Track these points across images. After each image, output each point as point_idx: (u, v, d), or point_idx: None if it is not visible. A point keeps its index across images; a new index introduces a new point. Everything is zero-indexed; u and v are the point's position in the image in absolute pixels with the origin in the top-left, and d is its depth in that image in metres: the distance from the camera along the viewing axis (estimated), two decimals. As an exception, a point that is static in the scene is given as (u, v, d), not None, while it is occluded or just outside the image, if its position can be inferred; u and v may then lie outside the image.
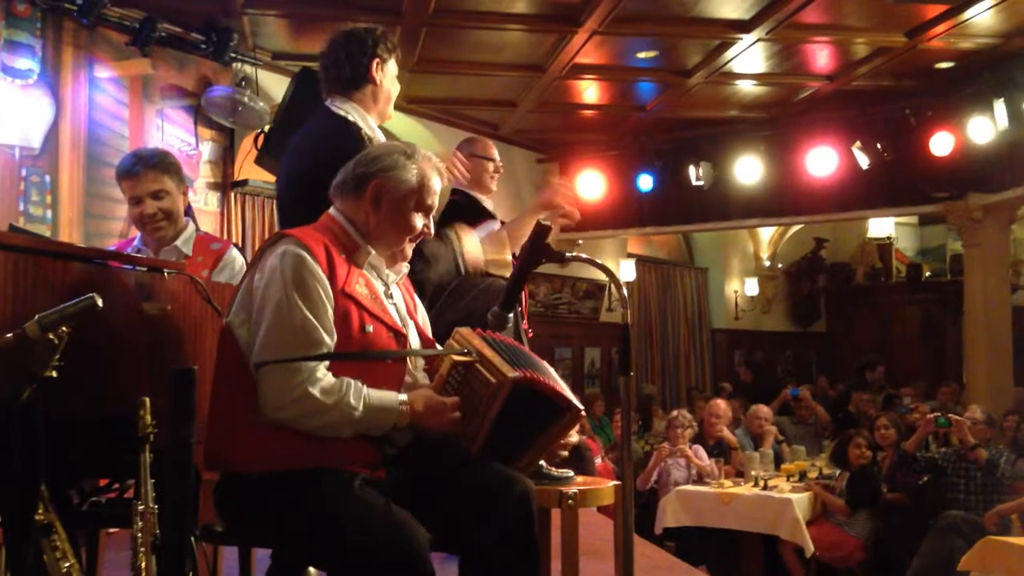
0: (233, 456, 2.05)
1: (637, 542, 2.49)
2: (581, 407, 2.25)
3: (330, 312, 2.05)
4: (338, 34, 2.82)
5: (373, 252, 2.21)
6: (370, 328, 2.12)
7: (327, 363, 2.04)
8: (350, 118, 2.72)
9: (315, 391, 1.99)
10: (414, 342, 2.26)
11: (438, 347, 2.33)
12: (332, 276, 2.08)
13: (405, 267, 2.33)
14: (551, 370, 2.28)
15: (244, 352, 2.06)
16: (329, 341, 2.04)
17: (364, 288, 2.16)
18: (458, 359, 2.13)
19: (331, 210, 2.25)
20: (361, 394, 2.03)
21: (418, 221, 2.24)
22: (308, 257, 2.05)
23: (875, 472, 6.42)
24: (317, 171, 2.42)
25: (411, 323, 2.30)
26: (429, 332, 2.38)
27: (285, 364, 1.98)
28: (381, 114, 2.83)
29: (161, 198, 2.96)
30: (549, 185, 3.52)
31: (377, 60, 2.77)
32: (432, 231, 2.29)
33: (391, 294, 2.28)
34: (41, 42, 5.17)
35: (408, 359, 2.23)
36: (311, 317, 2.02)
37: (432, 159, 2.29)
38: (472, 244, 2.97)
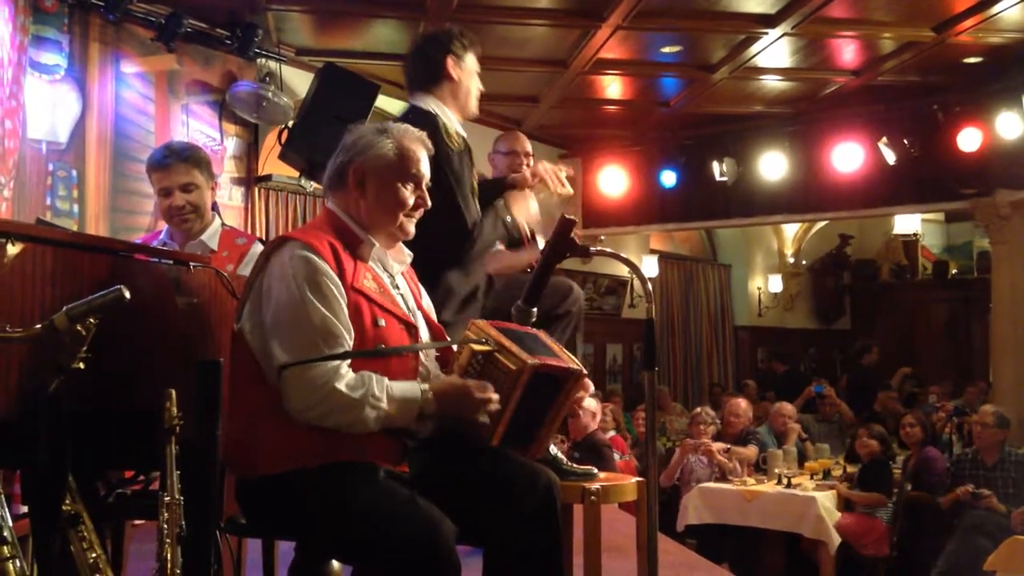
0: (253, 459, 2.05)
1: (659, 539, 2.48)
2: (584, 371, 2.28)
3: (344, 308, 2.05)
4: (418, 37, 3.04)
5: (377, 244, 2.19)
6: (382, 322, 2.11)
7: (348, 360, 2.03)
8: (430, 110, 2.80)
9: (341, 386, 1.98)
10: (423, 332, 2.26)
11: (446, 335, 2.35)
12: (340, 273, 2.07)
13: (408, 256, 2.31)
14: (551, 345, 2.30)
15: (258, 358, 2.05)
16: (348, 337, 2.03)
17: (372, 282, 2.15)
18: (478, 348, 2.14)
19: (329, 205, 2.24)
20: (384, 386, 2.03)
21: (407, 193, 2.20)
22: (315, 257, 2.04)
23: (886, 462, 6.41)
24: None
25: (419, 313, 2.29)
26: (435, 318, 2.38)
27: (308, 366, 1.97)
28: (462, 109, 2.92)
29: (190, 191, 2.98)
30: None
31: (452, 57, 2.87)
32: (428, 201, 2.26)
33: (397, 285, 2.27)
34: (68, 37, 5.21)
35: (420, 351, 2.22)
36: (328, 314, 2.01)
37: (411, 131, 2.26)
38: (523, 208, 2.96)
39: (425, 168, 2.25)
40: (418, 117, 2.74)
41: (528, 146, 3.78)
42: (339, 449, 2.02)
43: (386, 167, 2.18)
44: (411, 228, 2.25)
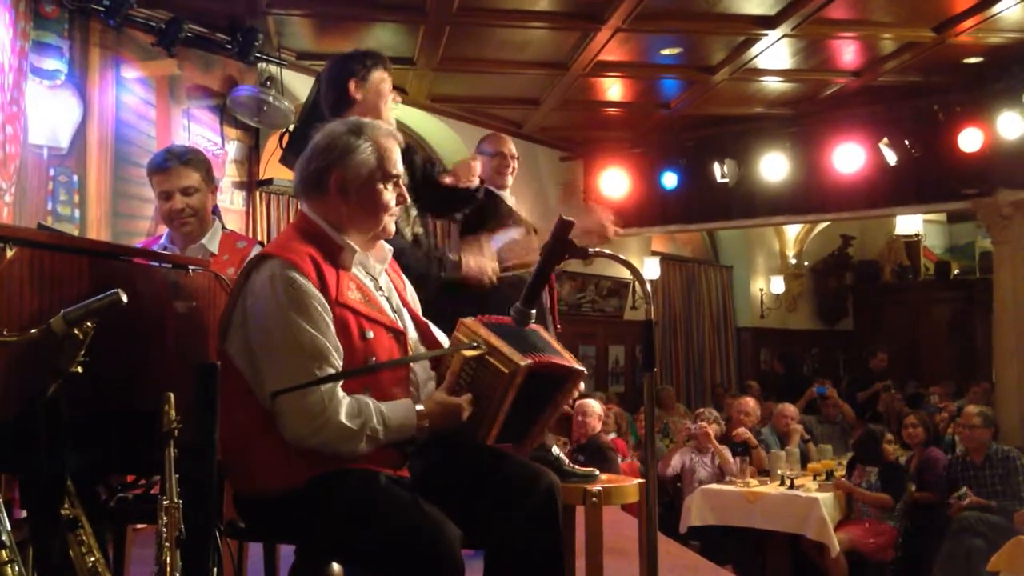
0: (251, 474, 2.04)
1: (662, 541, 2.48)
2: (583, 369, 2.28)
3: (331, 326, 2.02)
4: (326, 63, 3.07)
5: (358, 251, 2.16)
6: (370, 334, 2.09)
7: (341, 382, 2.01)
8: None
9: (340, 416, 1.97)
10: (411, 333, 2.24)
11: (432, 328, 2.34)
12: (324, 288, 2.04)
13: (389, 251, 2.29)
14: (551, 341, 2.30)
15: (247, 378, 2.03)
16: (338, 358, 2.01)
17: (356, 292, 2.12)
18: (468, 354, 2.12)
19: (305, 210, 2.19)
20: (381, 416, 2.02)
21: (390, 195, 2.18)
22: (298, 276, 2.01)
23: (900, 466, 6.41)
24: None
25: (405, 311, 2.28)
26: (419, 310, 2.37)
27: (303, 392, 1.95)
28: None
29: (190, 194, 2.99)
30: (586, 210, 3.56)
31: (354, 80, 2.93)
32: (407, 197, 2.26)
33: (381, 287, 2.25)
34: (69, 43, 5.21)
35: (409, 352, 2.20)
36: (317, 335, 1.99)
37: (382, 127, 2.24)
38: (476, 258, 3.00)
39: (401, 164, 2.23)
40: None
41: (513, 148, 3.81)
42: (337, 459, 2.01)
43: (368, 173, 2.15)
44: (392, 227, 2.23)
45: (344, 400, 1.99)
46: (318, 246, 2.11)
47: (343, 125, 2.21)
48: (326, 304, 2.03)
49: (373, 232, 2.20)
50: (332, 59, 3.06)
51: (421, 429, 2.07)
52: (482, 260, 3.05)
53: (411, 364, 2.19)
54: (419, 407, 2.09)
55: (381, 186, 2.16)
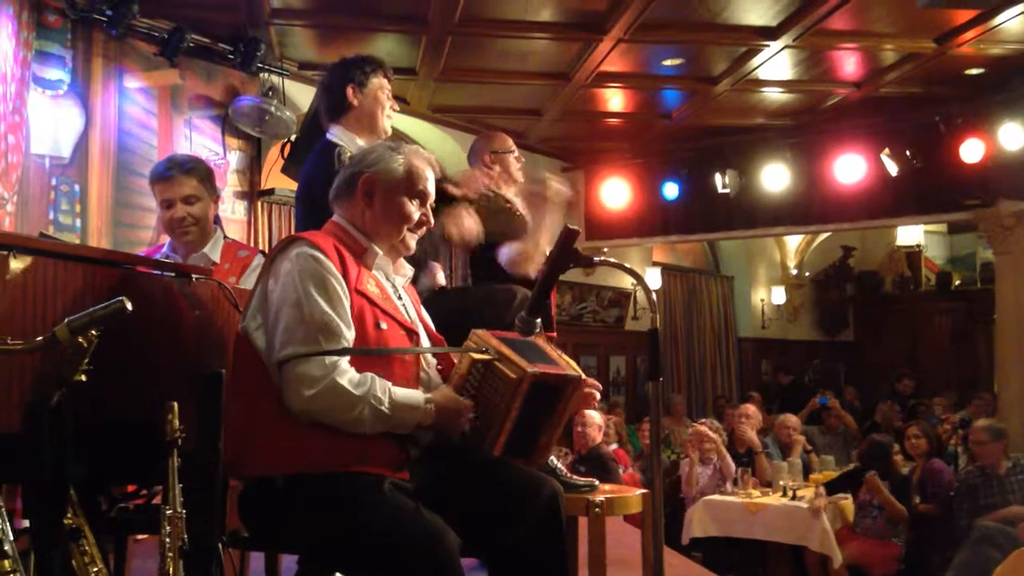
0: (254, 461, 2.04)
1: (664, 552, 2.47)
2: (581, 375, 2.29)
3: (347, 306, 2.07)
4: (327, 68, 3.08)
5: (380, 253, 2.23)
6: (384, 325, 2.13)
7: (348, 358, 2.04)
8: (335, 141, 2.88)
9: (343, 382, 2.00)
10: (424, 341, 2.28)
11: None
12: (345, 274, 2.11)
13: (410, 270, 2.35)
14: (551, 351, 2.32)
15: (262, 356, 2.06)
16: (349, 335, 2.06)
17: (375, 287, 2.19)
18: (478, 357, 2.15)
19: (334, 217, 2.29)
20: (387, 389, 2.04)
21: (413, 209, 2.26)
22: (322, 256, 2.08)
23: (906, 480, 6.39)
24: (308, 192, 2.74)
25: (420, 325, 2.32)
26: (433, 329, 2.40)
27: (309, 360, 1.99)
28: (371, 130, 2.98)
29: (192, 203, 2.99)
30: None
31: (352, 85, 2.94)
32: (432, 220, 2.31)
33: (400, 295, 2.30)
34: (71, 53, 5.22)
35: (421, 358, 2.23)
36: (330, 311, 2.03)
37: (421, 151, 2.32)
38: (460, 220, 3.01)
39: (431, 188, 2.30)
40: (324, 149, 2.85)
41: None
42: (342, 454, 2.01)
43: (395, 182, 2.24)
44: (413, 243, 2.30)
45: (349, 370, 2.03)
46: (344, 242, 2.19)
47: (385, 142, 2.33)
48: (345, 286, 2.09)
49: (392, 242, 2.26)
50: (332, 65, 3.08)
51: (426, 416, 2.08)
52: (464, 222, 3.05)
53: (423, 365, 2.23)
54: (429, 395, 2.12)
55: (405, 198, 2.24)
